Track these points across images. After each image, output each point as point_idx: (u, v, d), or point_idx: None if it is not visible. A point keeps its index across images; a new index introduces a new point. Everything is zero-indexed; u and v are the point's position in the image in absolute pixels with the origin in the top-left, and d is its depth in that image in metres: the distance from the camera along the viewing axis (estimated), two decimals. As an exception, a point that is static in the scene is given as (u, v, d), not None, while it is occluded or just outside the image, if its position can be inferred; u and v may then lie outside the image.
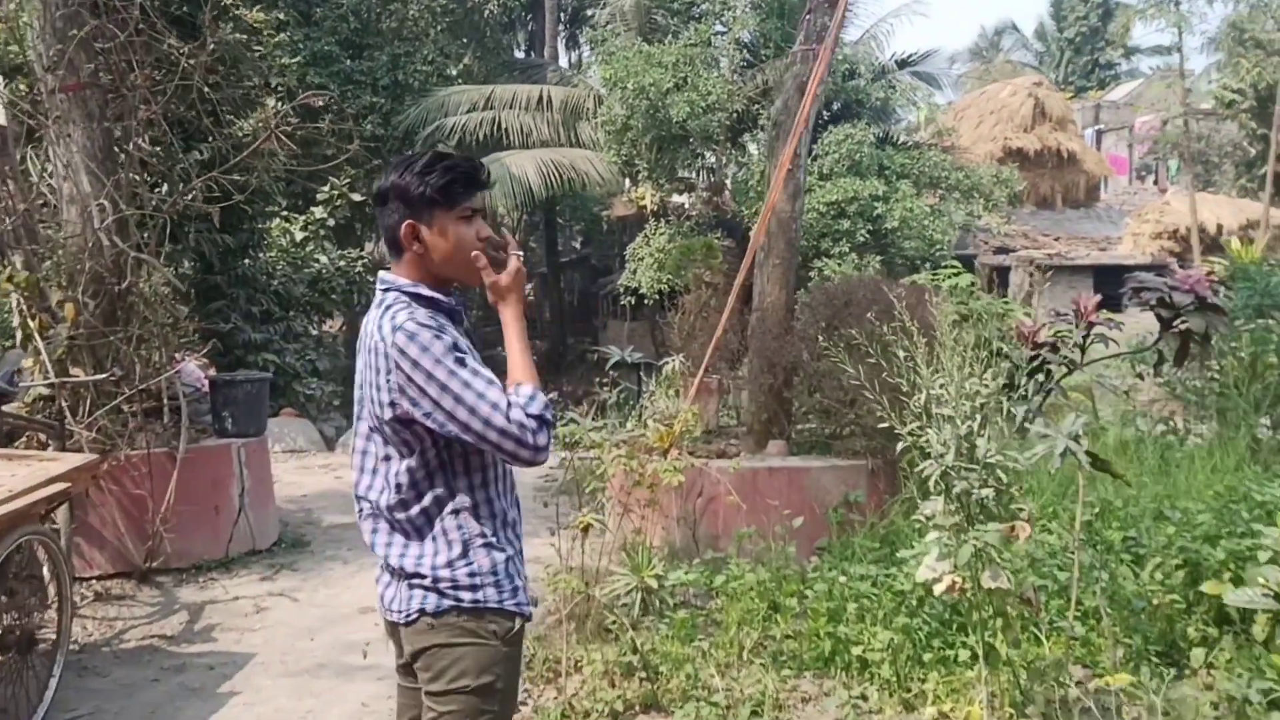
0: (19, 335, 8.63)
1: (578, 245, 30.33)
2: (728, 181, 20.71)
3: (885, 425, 5.87)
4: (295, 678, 5.21)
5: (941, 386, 4.26)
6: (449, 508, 2.45)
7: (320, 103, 8.30)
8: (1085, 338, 7.65)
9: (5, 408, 5.72)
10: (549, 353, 26.24)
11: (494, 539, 2.48)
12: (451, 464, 2.46)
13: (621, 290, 19.89)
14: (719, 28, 20.30)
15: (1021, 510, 4.38)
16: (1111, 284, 13.87)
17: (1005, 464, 4.16)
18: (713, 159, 20.35)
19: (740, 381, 8.17)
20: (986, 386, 4.26)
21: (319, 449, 12.56)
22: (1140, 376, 9.28)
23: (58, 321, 6.51)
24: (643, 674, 4.75)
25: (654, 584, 5.07)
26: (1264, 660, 4.51)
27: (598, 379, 15.04)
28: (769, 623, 5.29)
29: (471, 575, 2.45)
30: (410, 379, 2.34)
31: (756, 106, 18.72)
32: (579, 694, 4.64)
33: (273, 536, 7.66)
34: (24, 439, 6.27)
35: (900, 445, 4.43)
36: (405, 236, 2.48)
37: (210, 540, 7.00)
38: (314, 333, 15.31)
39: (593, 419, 6.26)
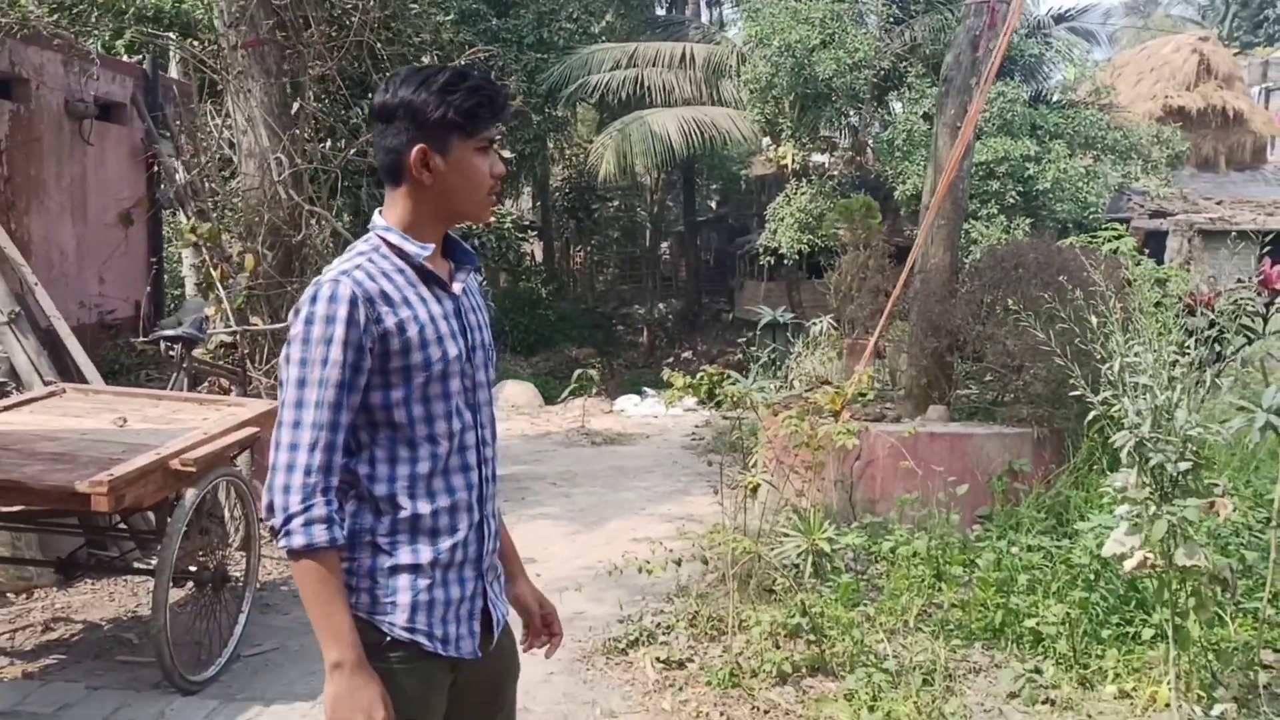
0: (188, 284, 8.98)
1: (714, 205, 30.17)
2: (871, 141, 20.30)
3: (1055, 392, 5.71)
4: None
5: (1137, 354, 4.09)
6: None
7: (473, 61, 8.39)
8: (1269, 306, 7.29)
9: (195, 352, 5.96)
10: (684, 312, 26.24)
11: (385, 542, 2.07)
12: (371, 444, 2.08)
13: (760, 250, 19.72)
14: (868, -19, 19.85)
15: (1216, 486, 4.21)
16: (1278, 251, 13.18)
17: (1205, 437, 4.00)
18: (857, 118, 19.96)
19: (897, 344, 8.02)
20: (1186, 354, 4.09)
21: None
22: (1321, 349, 8.81)
23: (237, 272, 6.76)
24: (809, 636, 4.73)
25: (826, 546, 5.02)
26: None
27: (736, 339, 14.94)
28: (934, 590, 5.21)
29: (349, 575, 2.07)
30: (285, 349, 2.04)
31: (904, 64, 18.27)
32: (745, 653, 4.64)
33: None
34: (207, 383, 6.53)
35: (1090, 415, 4.28)
36: (415, 163, 2.05)
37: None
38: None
39: (753, 379, 6.24)
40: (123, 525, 5.16)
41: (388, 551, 2.06)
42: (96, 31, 8.29)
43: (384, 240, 2.08)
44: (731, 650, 4.66)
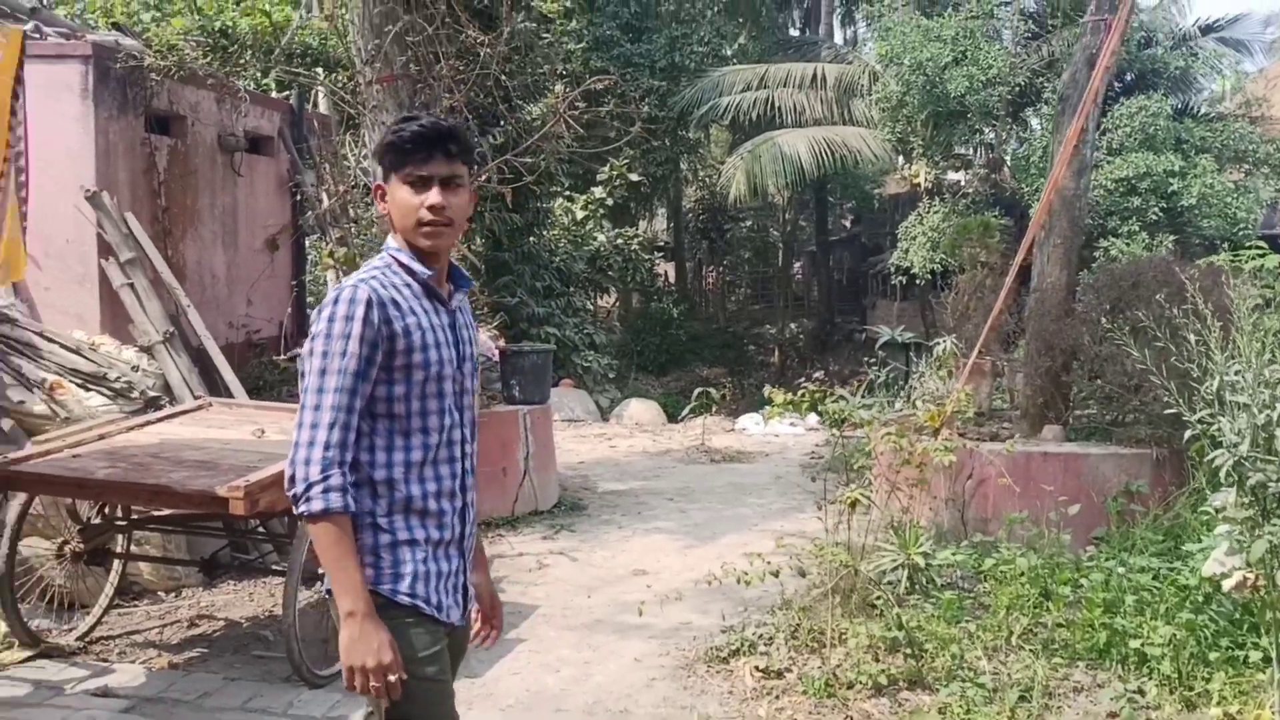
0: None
1: (847, 224, 29.98)
2: (1007, 158, 19.94)
3: (1173, 412, 5.62)
4: (575, 631, 5.56)
5: (1237, 373, 4.06)
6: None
7: (602, 86, 8.68)
8: None
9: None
10: (815, 331, 26.14)
11: (384, 522, 2.35)
12: (371, 433, 2.36)
13: (892, 269, 19.55)
14: (1002, -3, 19.56)
15: (1324, 507, 4.13)
16: None
17: (1308, 456, 3.94)
18: (991, 135, 19.63)
19: (1015, 364, 7.95)
20: (1289, 374, 4.04)
21: (594, 419, 13.14)
22: None
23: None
24: (907, 650, 4.79)
25: (920, 562, 5.07)
26: None
27: (865, 358, 14.87)
28: (1039, 610, 5.20)
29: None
30: (309, 343, 2.34)
31: (1041, 79, 17.90)
32: (843, 665, 4.73)
33: (553, 499, 8.14)
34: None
35: (1188, 434, 4.25)
36: (375, 195, 2.49)
37: (499, 499, 7.52)
38: (590, 308, 15.96)
39: (860, 398, 6.31)
40: (261, 529, 5.56)
41: (387, 530, 2.35)
42: (247, 70, 8.87)
43: (395, 259, 2.40)
44: (829, 661, 4.75)
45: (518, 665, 5.09)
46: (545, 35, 12.27)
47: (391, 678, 2.24)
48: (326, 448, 2.25)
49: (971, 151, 19.92)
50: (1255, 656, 4.47)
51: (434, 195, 2.34)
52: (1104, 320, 6.59)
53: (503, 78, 7.61)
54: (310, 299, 9.23)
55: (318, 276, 10.53)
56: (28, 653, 5.02)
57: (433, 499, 2.39)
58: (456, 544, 2.46)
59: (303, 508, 2.24)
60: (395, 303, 2.33)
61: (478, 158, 8.60)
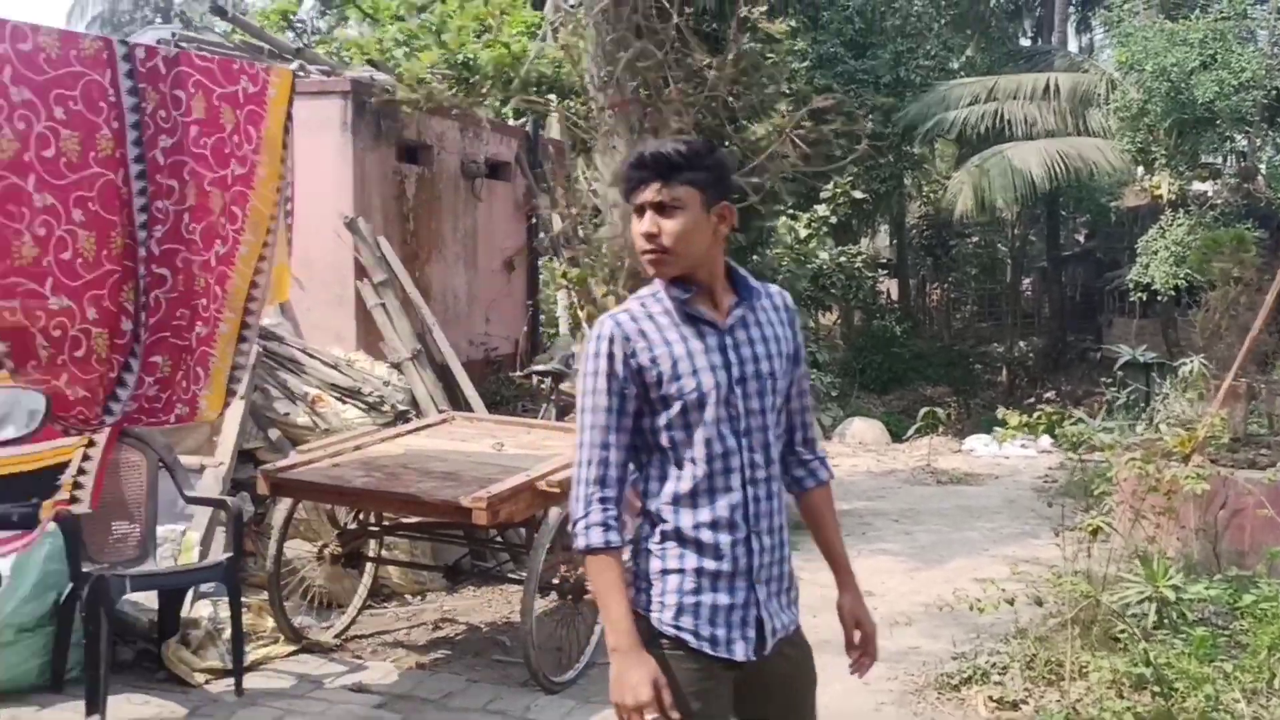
0: (561, 324, 9.83)
1: (1081, 239, 28.66)
2: (1261, 166, 18.66)
3: None
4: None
5: None
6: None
7: (828, 104, 8.66)
8: None
9: (562, 386, 6.60)
10: (1046, 350, 25.06)
11: (656, 549, 2.40)
12: (648, 464, 2.43)
13: (1130, 286, 18.57)
14: (1256, -4, 18.34)
15: None
16: None
17: None
18: (1244, 142, 18.43)
19: (1274, 386, 7.44)
20: None
21: (819, 438, 13.05)
22: None
23: (601, 312, 7.38)
24: (1155, 688, 4.55)
25: (1170, 595, 4.82)
26: None
27: (1100, 378, 14.22)
28: (1305, 652, 4.84)
29: None
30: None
31: (1301, 81, 16.71)
32: (1084, 700, 4.55)
33: (778, 518, 8.13)
34: (573, 413, 7.19)
35: None
36: None
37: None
38: (812, 325, 15.87)
39: (1100, 420, 6.05)
40: (499, 539, 5.82)
41: (659, 557, 2.37)
42: (487, 100, 9.32)
43: (662, 285, 2.40)
44: (1070, 695, 4.58)
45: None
46: (771, 55, 12.33)
47: (649, 717, 2.23)
48: (586, 484, 2.32)
49: (1221, 160, 18.74)
50: None
51: (643, 223, 2.34)
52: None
53: (729, 99, 7.70)
54: (543, 316, 9.59)
55: (549, 295, 10.93)
56: (292, 648, 5.44)
57: (706, 529, 2.34)
58: (744, 575, 2.37)
59: (575, 544, 2.35)
60: (643, 334, 2.35)
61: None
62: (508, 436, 5.89)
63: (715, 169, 2.38)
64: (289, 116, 5.38)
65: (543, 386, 6.76)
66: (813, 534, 2.66)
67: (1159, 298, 18.00)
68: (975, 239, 26.56)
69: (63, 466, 4.80)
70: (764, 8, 9.17)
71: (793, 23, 12.74)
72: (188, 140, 4.65)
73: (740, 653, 2.36)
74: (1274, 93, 16.59)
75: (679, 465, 2.36)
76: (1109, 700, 4.48)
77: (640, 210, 2.36)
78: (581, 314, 7.39)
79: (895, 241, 26.86)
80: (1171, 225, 17.45)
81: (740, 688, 2.42)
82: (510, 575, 5.87)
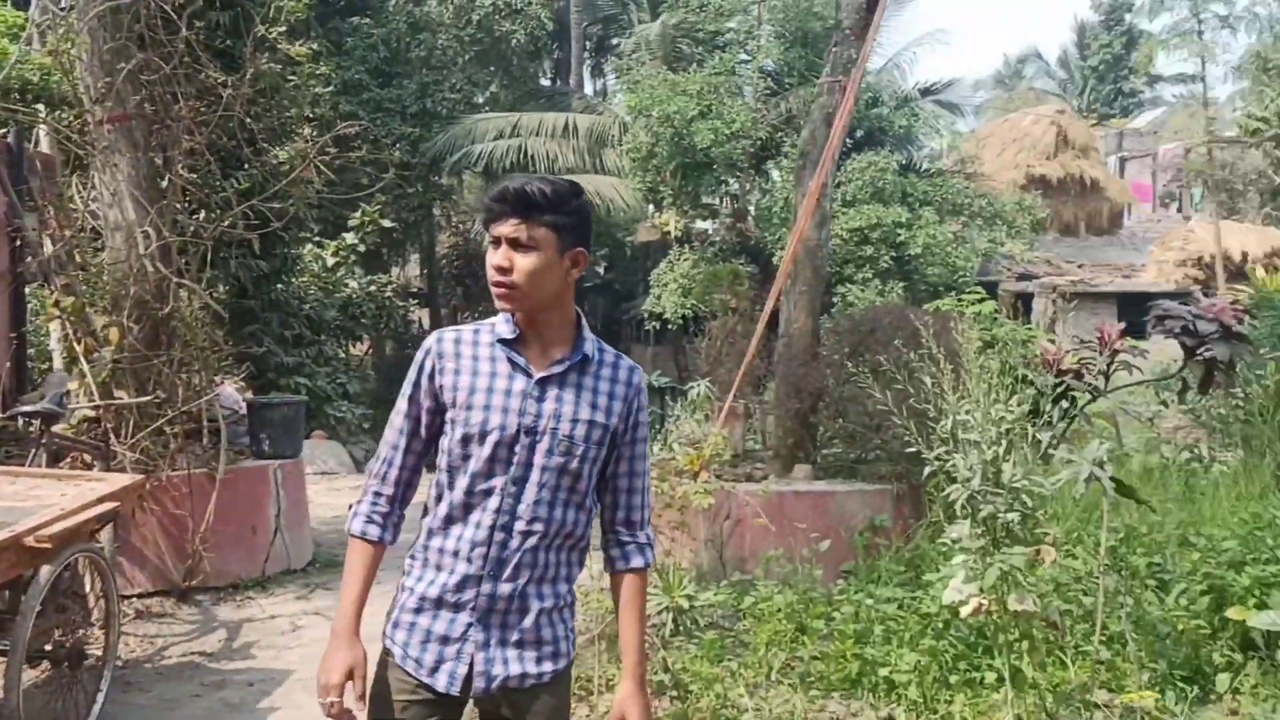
0: (55, 358, 8.81)
1: (601, 271, 30.51)
2: (751, 208, 20.86)
3: (911, 450, 5.97)
4: (332, 694, 5.32)
5: (967, 412, 4.36)
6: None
7: (354, 130, 8.50)
8: (1109, 364, 7.72)
9: (54, 428, 5.88)
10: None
11: (412, 563, 2.48)
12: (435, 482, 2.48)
13: (645, 315, 20.02)
14: (743, 56, 20.49)
15: (1046, 535, 4.48)
16: (1135, 311, 13.89)
17: (1031, 489, 4.26)
18: (736, 186, 20.51)
19: (766, 406, 8.27)
20: (1012, 412, 4.36)
21: (349, 471, 12.72)
22: (1165, 404, 9.34)
23: (102, 345, 6.69)
24: (673, 693, 4.84)
25: (684, 604, 5.15)
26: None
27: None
28: (796, 644, 5.38)
29: None
30: None
31: (780, 134, 18.87)
32: (611, 712, 4.73)
33: (307, 556, 7.80)
34: (69, 459, 6.43)
35: (926, 470, 4.52)
36: None
37: (247, 560, 7.15)
38: (343, 356, 15.51)
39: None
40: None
41: (408, 571, 2.46)
42: (-45, 105, 8.17)
43: (504, 319, 2.42)
44: (597, 709, 4.74)
45: (271, 737, 4.83)
46: (292, 78, 11.94)
47: (329, 699, 2.31)
48: (370, 476, 2.47)
49: (718, 201, 20.71)
50: (990, 678, 4.77)
51: (497, 256, 2.34)
52: (846, 363, 6.97)
53: (248, 120, 7.31)
54: (33, 350, 8.52)
55: (40, 326, 9.74)
56: None
57: (449, 556, 2.38)
58: (474, 612, 2.37)
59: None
60: (458, 355, 2.40)
61: (220, 201, 8.25)
62: (-17, 487, 5.13)
63: (576, 214, 2.38)
64: None
65: (31, 429, 5.98)
66: (618, 614, 2.59)
67: (670, 326, 19.50)
68: (504, 270, 27.36)
69: None
70: (283, 28, 8.85)
71: (315, 46, 12.41)
72: None
73: (442, 684, 2.38)
74: (759, 142, 18.59)
75: (450, 489, 2.39)
76: (634, 710, 4.69)
77: (496, 242, 2.35)
78: (79, 347, 6.64)
79: (426, 271, 27.01)
80: (679, 259, 19.01)
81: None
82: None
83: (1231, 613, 4.90)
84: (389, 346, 23.12)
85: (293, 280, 12.99)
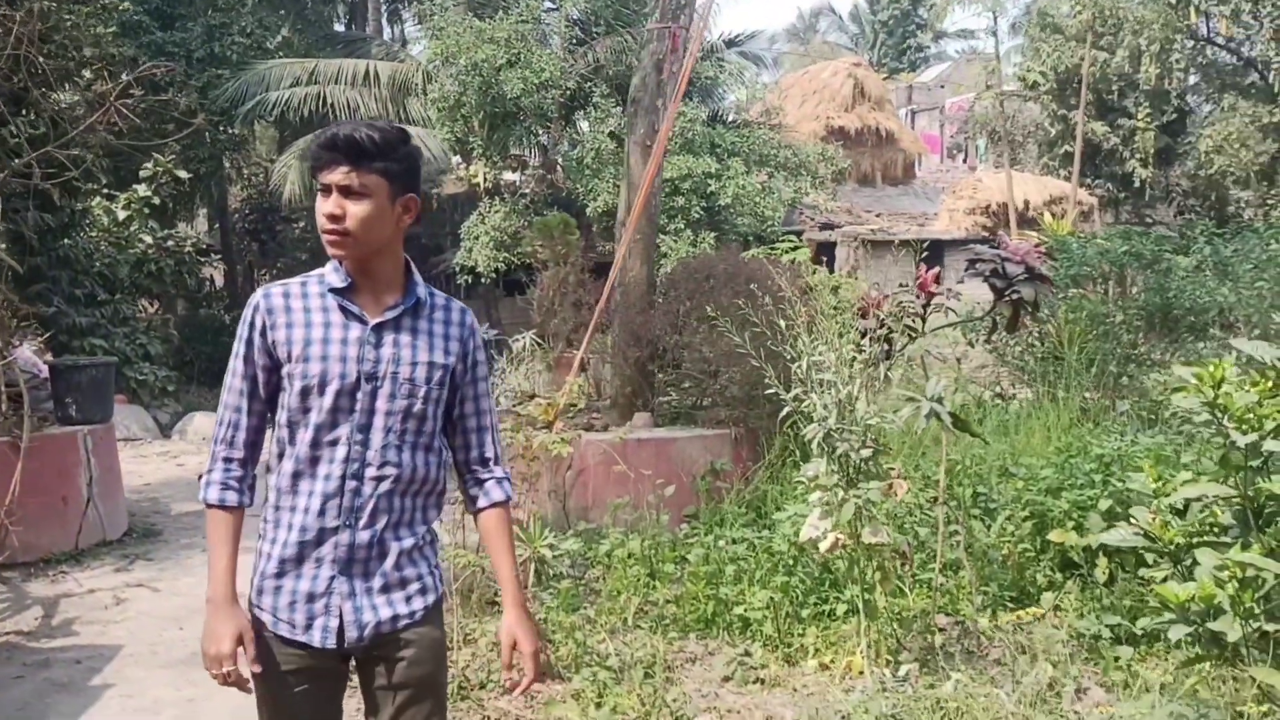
0: None
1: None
2: (559, 159, 20.73)
3: (752, 394, 6.11)
4: (170, 668, 5.07)
5: (821, 353, 4.47)
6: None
7: (157, 73, 7.97)
8: (926, 308, 8.08)
9: None
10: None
11: (266, 526, 2.41)
12: (277, 439, 2.42)
13: (456, 269, 19.68)
14: (548, 4, 20.24)
15: (892, 469, 4.66)
16: (931, 258, 14.59)
17: (882, 424, 4.42)
18: (546, 137, 20.33)
19: (602, 354, 8.28)
20: (863, 351, 4.51)
21: (155, 436, 12.08)
22: (971, 344, 9.85)
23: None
24: (535, 643, 4.81)
25: (546, 554, 5.13)
26: (1107, 599, 4.93)
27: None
28: (649, 589, 5.44)
29: None
30: None
31: (589, 84, 18.78)
32: (470, 666, 4.68)
33: (123, 526, 7.37)
34: None
35: (784, 410, 4.62)
36: None
37: (59, 532, 6.69)
38: (141, 316, 14.63)
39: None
40: None
41: (261, 535, 2.39)
42: None
43: (332, 268, 2.40)
44: (458, 664, 4.68)
45: (108, 714, 4.55)
46: (69, 16, 11.06)
47: (224, 669, 2.28)
48: (216, 443, 2.39)
49: (528, 152, 20.49)
50: (840, 609, 4.96)
51: (328, 204, 2.31)
52: (682, 311, 7.04)
53: (40, 60, 6.73)
54: None
55: None
56: None
57: (301, 513, 2.35)
58: (335, 564, 2.35)
59: (199, 495, 2.39)
60: (288, 309, 2.36)
61: (7, 150, 7.60)
62: None
63: (406, 160, 2.36)
64: None
65: None
66: (487, 551, 2.62)
67: (482, 280, 19.26)
68: (302, 224, 26.38)
69: None
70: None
71: (95, -20, 11.49)
72: None
73: (317, 640, 2.36)
74: (568, 93, 18.46)
75: (293, 444, 2.36)
76: (496, 662, 4.65)
77: (326, 190, 2.31)
78: None
79: (218, 226, 25.74)
80: (490, 212, 18.74)
81: (365, 672, 2.45)
82: None
83: (1053, 536, 5.24)
84: (181, 305, 21.95)
85: (81, 235, 12.12)
